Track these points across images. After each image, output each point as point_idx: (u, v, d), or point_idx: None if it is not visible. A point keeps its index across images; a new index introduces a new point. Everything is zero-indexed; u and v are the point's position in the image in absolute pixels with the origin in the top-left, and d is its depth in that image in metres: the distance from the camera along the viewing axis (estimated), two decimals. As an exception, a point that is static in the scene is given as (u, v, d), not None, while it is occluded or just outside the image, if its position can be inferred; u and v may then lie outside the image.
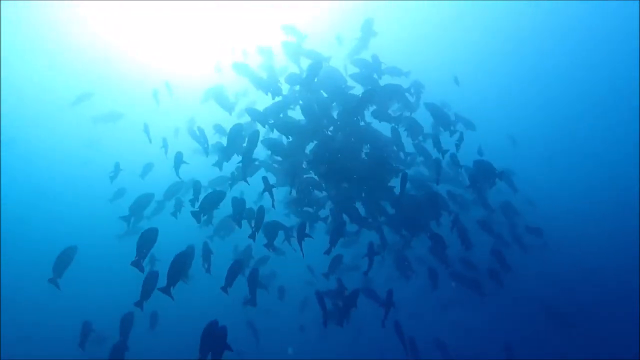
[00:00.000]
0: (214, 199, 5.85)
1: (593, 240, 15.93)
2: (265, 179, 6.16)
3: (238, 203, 6.00)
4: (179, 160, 6.60)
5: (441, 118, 6.83)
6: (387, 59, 8.34)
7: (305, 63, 7.17)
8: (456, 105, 8.20)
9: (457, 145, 7.11)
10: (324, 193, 6.94)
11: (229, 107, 7.33)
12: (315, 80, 6.63)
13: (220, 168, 6.84)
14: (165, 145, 7.37)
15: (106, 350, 5.78)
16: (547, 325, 9.96)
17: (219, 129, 7.57)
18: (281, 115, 6.63)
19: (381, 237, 6.84)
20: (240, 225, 6.09)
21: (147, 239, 5.11)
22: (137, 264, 5.10)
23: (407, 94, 7.17)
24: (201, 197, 6.17)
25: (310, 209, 6.91)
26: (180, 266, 4.99)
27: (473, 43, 23.94)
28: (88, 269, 13.93)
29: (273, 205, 6.22)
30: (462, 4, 21.42)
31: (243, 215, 6.10)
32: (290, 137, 6.42)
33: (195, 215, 5.75)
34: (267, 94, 6.77)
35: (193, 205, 6.20)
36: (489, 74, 25.21)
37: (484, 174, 6.47)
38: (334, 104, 6.83)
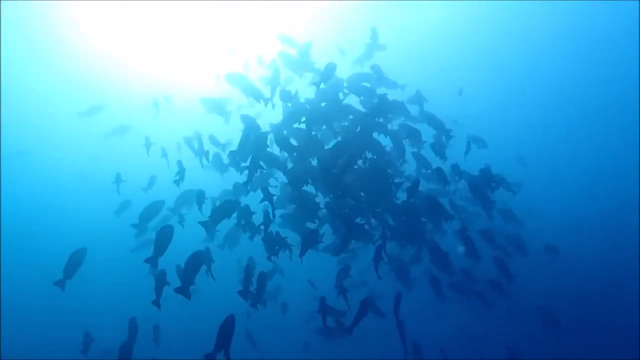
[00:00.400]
0: (226, 209, 6.09)
1: (592, 244, 16.13)
2: (265, 189, 6.38)
3: (243, 211, 6.35)
4: (181, 169, 6.97)
5: (438, 126, 7.11)
6: (388, 60, 8.71)
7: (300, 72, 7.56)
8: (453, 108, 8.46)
9: (465, 154, 7.50)
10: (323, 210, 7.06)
11: (225, 116, 7.62)
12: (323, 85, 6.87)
13: (241, 172, 7.09)
14: (164, 154, 7.77)
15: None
16: (543, 328, 10.10)
17: (213, 140, 7.80)
18: (285, 132, 6.85)
19: (383, 248, 7.05)
20: (255, 231, 6.47)
21: (164, 237, 5.42)
22: (153, 260, 5.43)
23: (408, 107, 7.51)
24: (204, 207, 6.55)
25: (308, 225, 7.00)
26: (194, 266, 5.33)
27: (473, 44, 24.31)
28: (90, 282, 14.28)
29: (273, 216, 6.44)
30: (463, 5, 21.74)
31: (248, 225, 6.49)
32: (289, 153, 6.63)
33: (205, 225, 6.00)
34: (259, 102, 7.09)
35: (203, 213, 6.50)
36: (487, 77, 25.52)
37: (483, 181, 6.71)
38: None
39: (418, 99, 7.74)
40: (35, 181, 24.99)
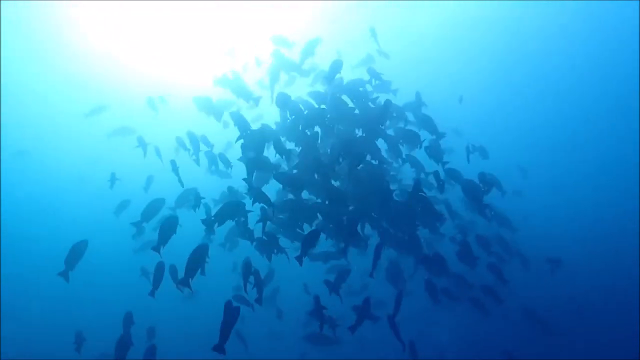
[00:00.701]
0: (231, 209, 6.26)
1: (592, 249, 16.22)
2: (254, 190, 6.49)
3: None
4: (174, 168, 7.18)
5: (431, 127, 7.19)
6: (386, 63, 8.80)
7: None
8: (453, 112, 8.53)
9: (467, 158, 7.61)
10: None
11: (218, 116, 7.74)
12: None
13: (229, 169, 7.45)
14: (158, 154, 8.00)
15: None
16: (531, 330, 10.21)
17: (205, 140, 7.90)
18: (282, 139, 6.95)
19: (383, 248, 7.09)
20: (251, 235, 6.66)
21: (168, 227, 5.79)
22: (157, 249, 5.79)
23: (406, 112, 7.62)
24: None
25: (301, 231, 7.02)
26: (198, 258, 5.55)
27: (474, 47, 24.38)
28: (90, 283, 14.43)
29: (273, 213, 6.54)
30: (463, 6, 21.78)
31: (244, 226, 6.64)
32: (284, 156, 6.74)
33: (207, 223, 6.21)
34: (249, 102, 7.29)
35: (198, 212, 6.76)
36: (488, 80, 25.60)
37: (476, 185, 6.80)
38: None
39: (417, 101, 7.80)
40: (35, 181, 25.24)
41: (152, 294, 6.05)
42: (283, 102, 6.92)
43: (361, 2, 19.49)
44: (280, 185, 7.32)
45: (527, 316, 10.20)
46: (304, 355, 12.53)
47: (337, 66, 7.03)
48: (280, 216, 7.20)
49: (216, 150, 7.90)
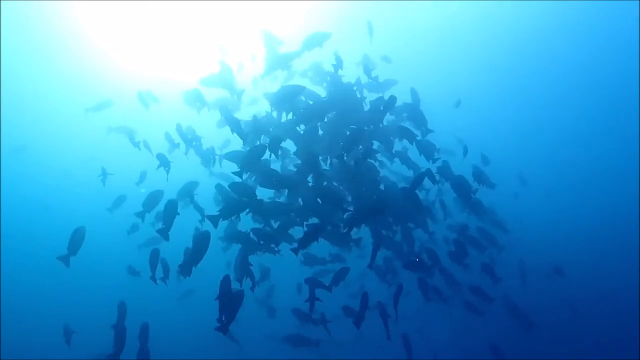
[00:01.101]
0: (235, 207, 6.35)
1: (591, 251, 16.23)
2: (238, 184, 6.51)
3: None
4: (163, 161, 7.29)
5: (418, 119, 7.27)
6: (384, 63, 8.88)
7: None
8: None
9: (464, 154, 7.69)
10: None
11: (199, 108, 7.74)
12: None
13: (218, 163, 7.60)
14: (147, 147, 8.20)
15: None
16: (516, 325, 10.23)
17: (193, 135, 7.97)
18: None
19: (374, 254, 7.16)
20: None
21: (170, 209, 6.07)
22: (164, 232, 6.05)
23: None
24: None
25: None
26: (201, 245, 5.67)
27: (473, 48, 24.52)
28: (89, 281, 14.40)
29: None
30: (461, 7, 21.88)
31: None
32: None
33: (212, 219, 6.28)
34: (233, 96, 7.42)
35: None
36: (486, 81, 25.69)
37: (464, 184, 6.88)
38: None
39: (413, 99, 7.82)
40: (33, 176, 25.45)
41: (152, 278, 6.33)
42: (278, 97, 7.00)
43: (358, 2, 19.64)
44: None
45: (509, 311, 10.26)
46: (297, 356, 12.53)
47: (338, 64, 7.22)
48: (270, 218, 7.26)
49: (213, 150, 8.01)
